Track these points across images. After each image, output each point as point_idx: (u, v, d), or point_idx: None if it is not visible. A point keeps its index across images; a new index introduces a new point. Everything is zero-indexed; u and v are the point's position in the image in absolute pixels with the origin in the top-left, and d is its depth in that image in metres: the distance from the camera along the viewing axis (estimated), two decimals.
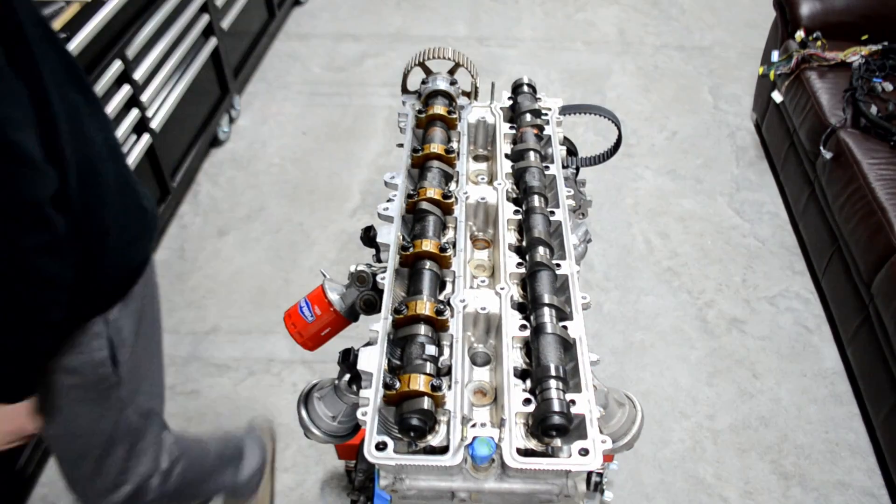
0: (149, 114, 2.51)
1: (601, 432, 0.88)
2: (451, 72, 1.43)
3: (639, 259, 2.75)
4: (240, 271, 2.68)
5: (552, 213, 1.18)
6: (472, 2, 4.43)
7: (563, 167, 1.32)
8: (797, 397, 2.28)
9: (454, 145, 1.33)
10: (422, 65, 1.41)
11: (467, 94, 1.45)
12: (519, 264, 1.09)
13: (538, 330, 0.96)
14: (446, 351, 0.97)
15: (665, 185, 3.10)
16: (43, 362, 1.08)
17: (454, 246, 1.12)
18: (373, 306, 1.18)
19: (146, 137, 2.49)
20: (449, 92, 1.37)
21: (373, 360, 0.94)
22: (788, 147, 2.88)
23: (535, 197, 1.18)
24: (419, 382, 0.87)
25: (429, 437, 0.88)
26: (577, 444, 0.85)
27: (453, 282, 1.06)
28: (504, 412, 0.89)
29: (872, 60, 2.63)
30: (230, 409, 2.22)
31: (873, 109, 2.43)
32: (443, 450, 0.86)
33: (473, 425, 0.89)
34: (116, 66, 2.26)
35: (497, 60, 3.88)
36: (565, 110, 1.45)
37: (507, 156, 1.31)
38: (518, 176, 1.26)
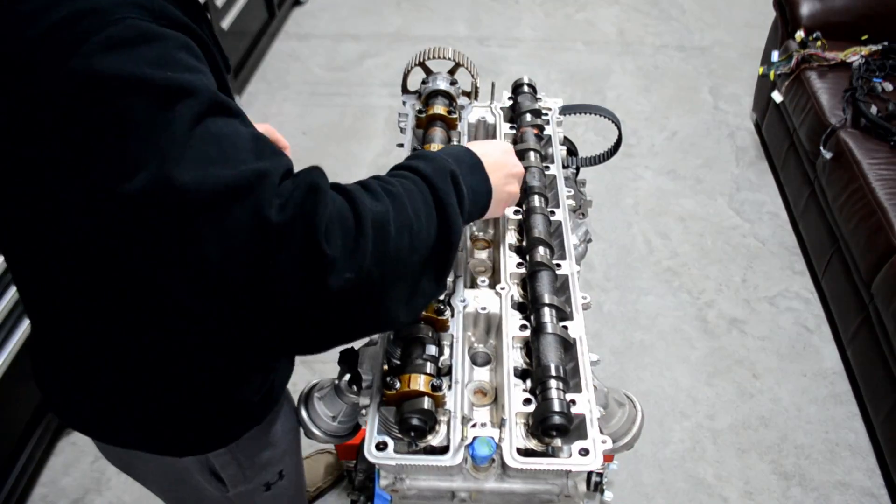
0: None
1: (601, 432, 0.88)
2: (452, 72, 1.43)
3: (639, 259, 2.75)
4: None
5: (552, 213, 1.18)
6: (472, 2, 4.43)
7: (564, 167, 1.32)
8: (797, 397, 2.28)
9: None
10: (422, 65, 1.41)
11: (467, 94, 1.45)
12: (519, 264, 1.09)
13: (538, 330, 0.96)
14: (446, 351, 0.97)
15: (665, 185, 3.10)
16: None
17: None
18: None
19: None
20: (449, 92, 1.37)
21: (373, 360, 0.94)
22: (788, 147, 2.88)
23: (536, 197, 1.18)
24: (419, 382, 0.87)
25: (429, 437, 0.88)
26: (577, 444, 0.85)
27: (453, 282, 1.06)
28: (504, 412, 0.89)
29: (872, 60, 2.63)
30: None
31: (873, 109, 2.43)
32: (443, 450, 0.86)
33: (473, 425, 0.89)
34: None
35: (497, 60, 3.89)
36: (565, 110, 1.45)
37: None
38: None
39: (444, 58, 1.38)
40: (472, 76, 1.43)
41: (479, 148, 0.94)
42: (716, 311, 2.56)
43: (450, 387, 0.91)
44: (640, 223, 2.91)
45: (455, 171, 0.84)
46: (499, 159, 0.96)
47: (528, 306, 1.03)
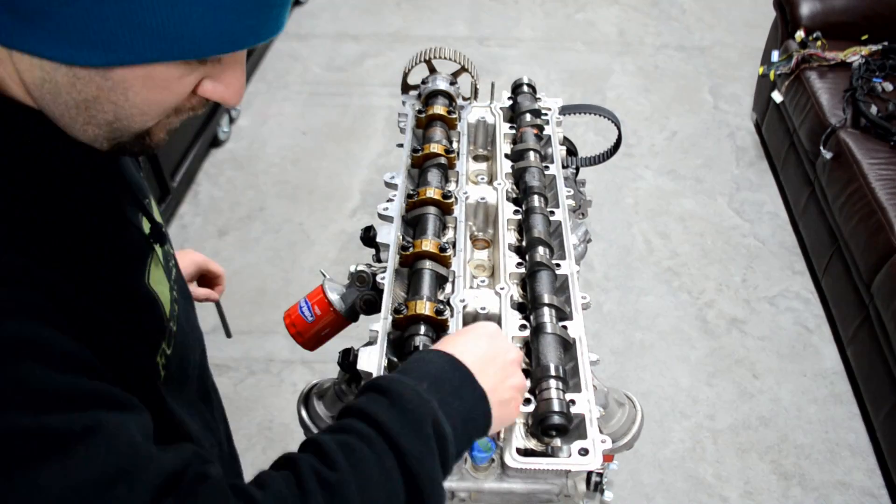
0: None
1: (601, 432, 0.88)
2: (456, 75, 1.43)
3: (639, 259, 2.75)
4: (240, 271, 2.68)
5: (552, 213, 1.18)
6: (472, 2, 4.43)
7: (563, 167, 1.32)
8: (797, 397, 2.28)
9: (454, 145, 1.33)
10: (428, 62, 1.41)
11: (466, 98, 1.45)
12: (519, 264, 1.09)
13: (538, 330, 0.96)
14: None
15: (665, 185, 3.10)
16: None
17: (454, 246, 1.12)
18: (373, 306, 1.18)
19: None
20: (449, 92, 1.37)
21: (373, 360, 0.94)
22: (788, 147, 2.88)
23: (535, 197, 1.18)
24: None
25: None
26: (577, 444, 0.85)
27: (453, 282, 1.06)
28: None
29: (872, 60, 2.63)
30: (230, 409, 2.22)
31: (873, 109, 2.43)
32: None
33: None
34: None
35: (497, 60, 3.88)
36: (565, 110, 1.45)
37: (506, 156, 1.31)
38: (518, 176, 1.25)
39: (444, 58, 1.38)
40: (472, 76, 1.43)
41: (459, 345, 0.75)
42: (716, 311, 2.56)
43: None
44: (640, 223, 2.91)
45: (437, 417, 0.66)
46: (486, 351, 0.76)
47: (528, 306, 1.03)
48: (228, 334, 1.27)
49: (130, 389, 0.62)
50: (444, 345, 0.76)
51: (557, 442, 0.87)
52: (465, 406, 0.70)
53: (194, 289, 1.22)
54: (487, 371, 0.74)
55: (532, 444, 0.88)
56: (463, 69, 1.41)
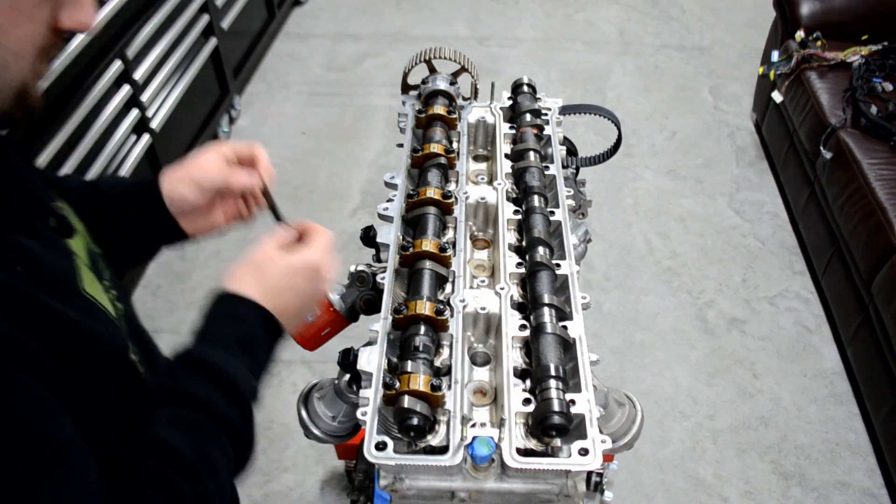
0: (149, 114, 2.51)
1: (601, 432, 0.88)
2: (456, 75, 1.43)
3: (639, 259, 2.75)
4: None
5: (552, 213, 1.18)
6: (472, 2, 4.43)
7: (563, 167, 1.32)
8: (797, 397, 2.28)
9: (454, 145, 1.33)
10: (428, 62, 1.41)
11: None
12: (519, 264, 1.09)
13: (538, 330, 0.96)
14: (446, 351, 0.97)
15: (665, 185, 3.10)
16: None
17: (454, 246, 1.12)
18: (373, 306, 1.18)
19: (146, 137, 2.49)
20: (449, 92, 1.37)
21: (373, 360, 0.94)
22: (788, 147, 2.88)
23: (535, 197, 1.18)
24: (419, 382, 0.87)
25: (428, 437, 0.88)
26: (577, 444, 0.85)
27: (453, 282, 1.06)
28: (504, 412, 0.89)
29: (872, 60, 2.63)
30: None
31: (873, 109, 2.43)
32: (442, 450, 0.86)
33: (473, 425, 0.89)
34: (116, 66, 2.26)
35: (497, 60, 3.88)
36: (565, 110, 1.45)
37: (506, 156, 1.31)
38: (518, 176, 1.26)
39: (444, 58, 1.38)
40: (472, 76, 1.43)
41: (250, 277, 0.85)
42: (716, 311, 2.56)
43: (449, 387, 0.91)
44: (640, 223, 2.91)
45: (248, 389, 0.74)
46: (276, 281, 0.85)
47: (528, 306, 1.03)
48: (278, 217, 1.01)
49: (118, 399, 0.65)
50: (235, 279, 0.87)
51: (557, 442, 0.87)
52: (268, 353, 0.81)
53: (238, 176, 0.97)
54: (281, 297, 0.84)
55: (532, 444, 0.88)
56: (463, 69, 1.41)
